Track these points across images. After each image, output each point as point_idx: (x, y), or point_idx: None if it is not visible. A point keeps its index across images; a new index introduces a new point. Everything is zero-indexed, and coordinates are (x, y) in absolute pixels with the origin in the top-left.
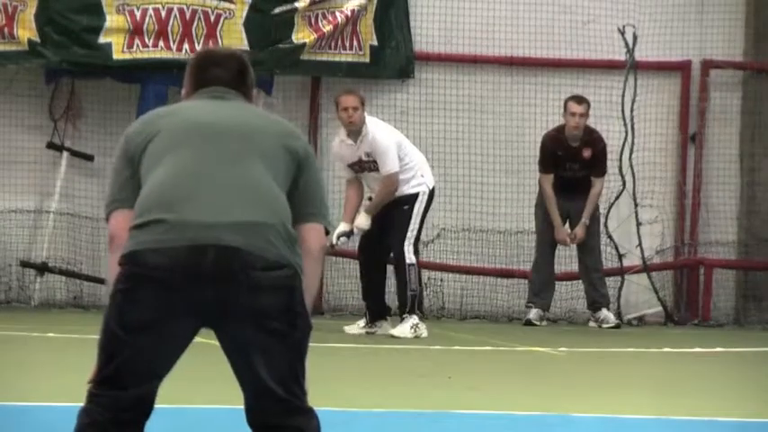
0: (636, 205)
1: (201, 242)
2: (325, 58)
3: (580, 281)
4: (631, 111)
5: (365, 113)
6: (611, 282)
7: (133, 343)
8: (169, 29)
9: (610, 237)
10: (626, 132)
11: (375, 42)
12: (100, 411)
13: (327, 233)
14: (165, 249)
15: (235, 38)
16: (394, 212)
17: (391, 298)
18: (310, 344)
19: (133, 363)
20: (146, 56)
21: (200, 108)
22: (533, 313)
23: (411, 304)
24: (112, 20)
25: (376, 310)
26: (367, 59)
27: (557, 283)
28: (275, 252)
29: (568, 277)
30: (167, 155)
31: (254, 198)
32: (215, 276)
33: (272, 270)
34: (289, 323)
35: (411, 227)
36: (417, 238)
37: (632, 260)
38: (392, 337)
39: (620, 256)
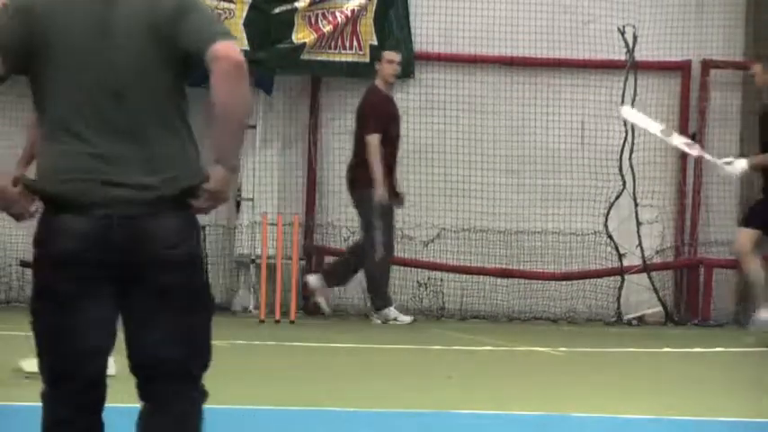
0: (636, 205)
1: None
2: (325, 58)
3: (580, 281)
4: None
5: None
6: (611, 282)
7: (60, 323)
8: None
9: (610, 236)
10: (626, 132)
11: (375, 42)
12: (56, 407)
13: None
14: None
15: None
16: None
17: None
18: (311, 344)
19: (67, 343)
20: None
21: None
22: None
23: None
24: None
25: None
26: (367, 59)
27: (556, 282)
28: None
29: (568, 277)
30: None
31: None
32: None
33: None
34: (187, 292)
35: None
36: None
37: (632, 260)
38: None
39: (621, 256)
